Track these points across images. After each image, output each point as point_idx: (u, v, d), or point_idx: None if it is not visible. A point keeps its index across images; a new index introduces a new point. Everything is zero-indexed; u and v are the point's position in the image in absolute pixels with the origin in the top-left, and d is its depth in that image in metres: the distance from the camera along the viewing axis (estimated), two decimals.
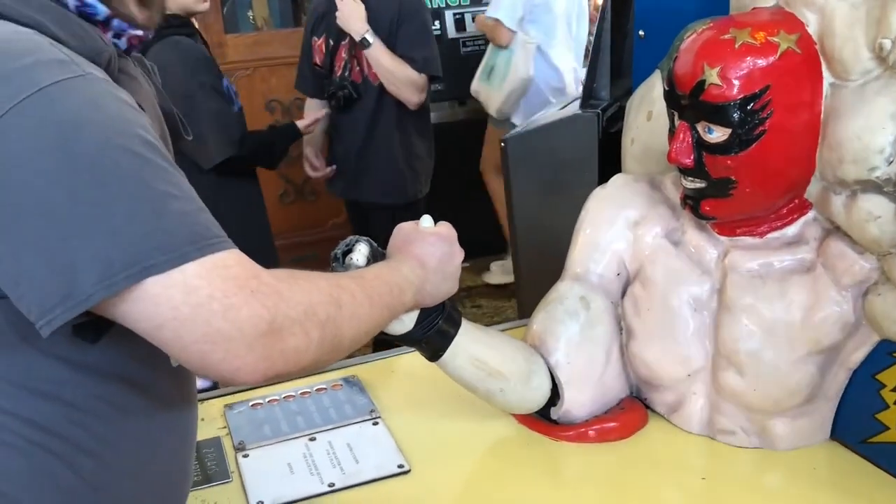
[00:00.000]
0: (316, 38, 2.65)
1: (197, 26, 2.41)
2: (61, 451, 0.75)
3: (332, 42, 2.58)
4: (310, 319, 0.75)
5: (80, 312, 0.66)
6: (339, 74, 2.58)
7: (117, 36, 0.82)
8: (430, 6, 3.43)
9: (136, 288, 0.66)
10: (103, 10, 0.80)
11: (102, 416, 0.78)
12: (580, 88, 3.40)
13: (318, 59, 2.66)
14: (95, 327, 0.71)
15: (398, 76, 2.48)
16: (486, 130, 3.50)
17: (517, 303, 2.23)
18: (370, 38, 2.45)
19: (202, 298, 0.68)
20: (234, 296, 0.69)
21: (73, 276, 0.65)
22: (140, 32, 0.84)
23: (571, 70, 3.34)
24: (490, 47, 3.32)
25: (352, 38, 2.50)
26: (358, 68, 2.55)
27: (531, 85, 3.27)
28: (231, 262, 0.71)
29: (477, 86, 3.34)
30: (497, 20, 3.20)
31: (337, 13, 2.47)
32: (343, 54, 2.57)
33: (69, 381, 0.75)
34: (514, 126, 3.06)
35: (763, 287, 1.08)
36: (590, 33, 3.46)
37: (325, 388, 1.33)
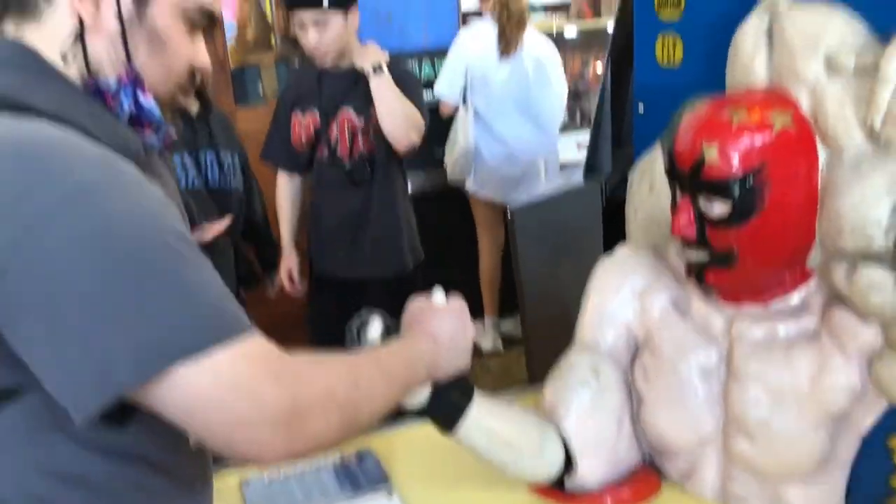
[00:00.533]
0: (300, 114, 2.52)
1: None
2: None
3: (324, 117, 2.46)
4: (330, 401, 0.78)
5: (114, 400, 0.69)
6: (346, 153, 2.46)
7: (158, 135, 0.87)
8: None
9: (167, 374, 0.69)
10: (157, 112, 0.85)
11: (127, 499, 0.80)
12: (548, 155, 3.55)
13: (302, 136, 2.53)
14: (123, 412, 0.74)
15: (404, 110, 2.36)
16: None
17: (527, 367, 2.24)
18: (384, 66, 2.35)
19: (229, 384, 0.71)
20: (259, 380, 0.72)
21: (107, 365, 0.68)
22: (174, 132, 0.90)
23: (527, 138, 3.48)
24: None
25: (349, 115, 2.42)
26: (362, 139, 2.45)
27: (476, 153, 3.47)
28: (255, 347, 0.74)
29: (445, 151, 3.55)
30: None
31: (356, 49, 2.39)
32: (342, 130, 2.46)
33: (97, 465, 0.77)
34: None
35: (769, 355, 1.10)
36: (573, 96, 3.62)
37: (340, 461, 1.34)
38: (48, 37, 0.82)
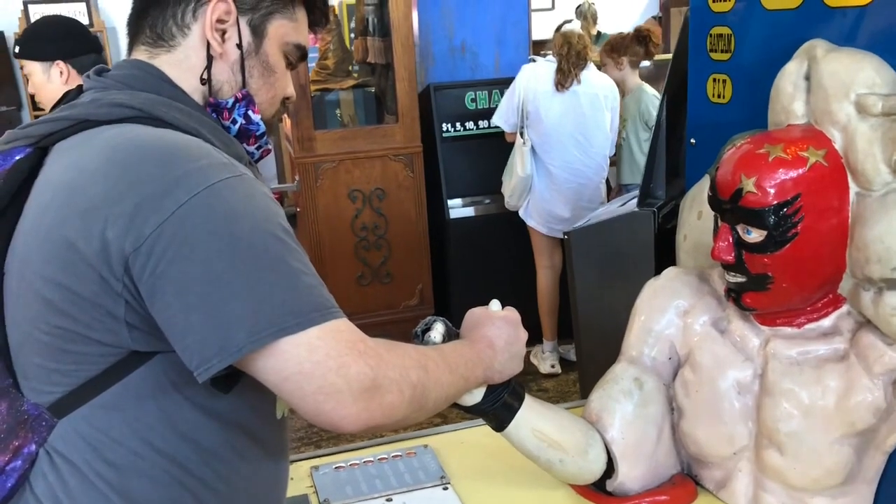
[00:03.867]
0: None
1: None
2: (193, 487, 0.92)
3: None
4: (404, 379, 0.91)
5: (232, 362, 0.83)
6: None
7: (259, 147, 1.04)
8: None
9: (273, 345, 0.83)
10: (263, 127, 1.02)
11: (225, 458, 0.94)
12: (601, 188, 3.66)
13: None
14: (228, 380, 0.88)
15: None
16: None
17: (580, 385, 2.33)
18: None
19: (321, 356, 0.84)
20: (346, 355, 0.85)
21: (227, 333, 0.82)
22: (270, 146, 1.06)
23: (576, 171, 3.59)
24: None
25: None
26: None
27: (531, 183, 3.61)
28: (344, 328, 0.87)
29: (503, 179, 3.71)
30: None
31: None
32: None
33: (204, 426, 0.92)
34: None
35: (800, 373, 1.18)
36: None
37: (401, 455, 1.46)
38: (179, 62, 1.00)
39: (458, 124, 3.97)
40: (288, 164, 5.04)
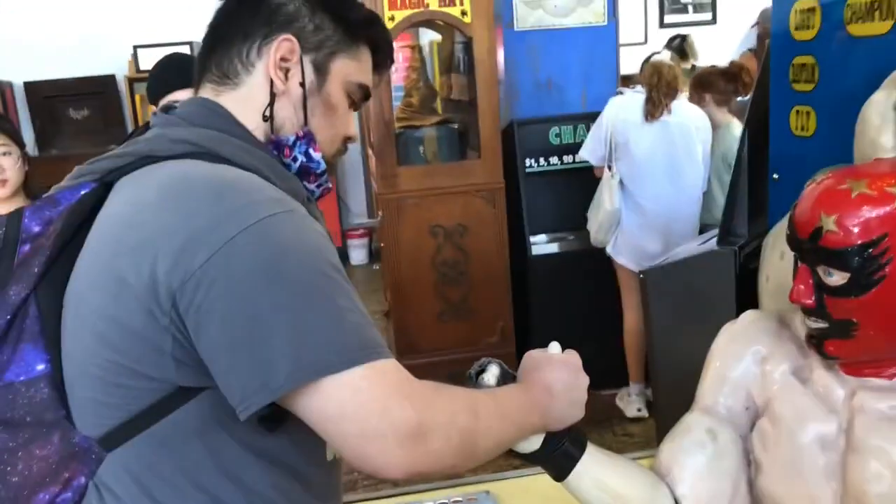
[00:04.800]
0: None
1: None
2: None
3: None
4: (452, 425, 0.87)
5: (273, 400, 0.81)
6: None
7: (319, 185, 1.04)
8: None
9: (316, 384, 0.81)
10: (324, 165, 1.01)
11: (270, 499, 0.93)
12: (694, 222, 3.53)
13: None
14: (274, 419, 0.86)
15: None
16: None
17: (656, 432, 2.22)
18: None
19: (365, 398, 0.81)
20: (391, 398, 0.82)
21: (269, 370, 0.81)
22: (331, 185, 1.06)
23: (669, 206, 3.48)
24: None
25: None
26: None
27: (620, 217, 3.49)
28: (390, 369, 0.85)
29: (589, 214, 3.62)
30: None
31: None
32: None
33: (250, 465, 0.91)
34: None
35: (892, 430, 1.08)
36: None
37: (461, 501, 1.42)
38: (243, 99, 1.01)
39: (541, 159, 3.93)
40: (375, 199, 5.12)
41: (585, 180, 3.66)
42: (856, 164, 1.16)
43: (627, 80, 4.20)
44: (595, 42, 4.13)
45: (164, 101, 2.14)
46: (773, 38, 1.46)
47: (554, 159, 3.95)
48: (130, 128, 5.68)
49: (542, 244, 3.90)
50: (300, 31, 1.01)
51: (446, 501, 1.41)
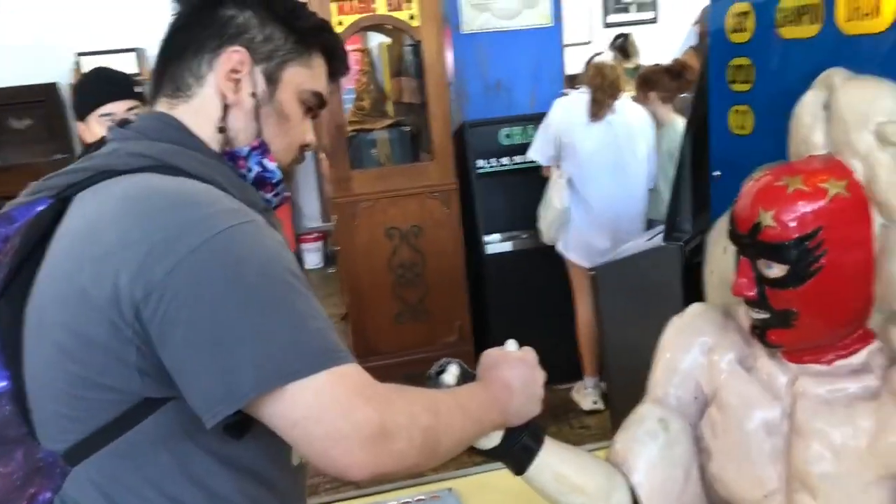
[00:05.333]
0: None
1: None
2: None
3: None
4: (414, 425, 0.89)
5: (238, 408, 0.83)
6: None
7: (276, 195, 1.05)
8: None
9: (280, 390, 0.83)
10: (279, 174, 1.03)
11: None
12: (640, 218, 3.60)
13: None
14: (240, 427, 0.88)
15: None
16: None
17: (611, 424, 2.28)
18: None
19: (328, 402, 0.83)
20: (353, 401, 0.84)
21: (234, 378, 0.82)
22: (288, 193, 1.07)
23: (615, 203, 3.55)
24: None
25: None
26: None
27: (570, 215, 3.57)
28: (352, 372, 0.87)
29: (539, 213, 3.69)
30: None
31: None
32: None
33: (217, 473, 0.92)
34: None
35: (831, 412, 1.13)
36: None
37: (424, 499, 1.44)
38: (196, 112, 1.02)
39: (493, 160, 3.98)
40: (329, 203, 5.10)
41: (536, 180, 3.72)
42: (791, 162, 1.21)
43: (573, 80, 4.27)
44: (541, 43, 4.19)
45: (94, 114, 2.13)
46: (710, 40, 1.52)
47: (505, 160, 4.00)
48: (75, 136, 5.56)
49: (495, 243, 3.95)
50: (250, 42, 1.03)
51: (410, 500, 1.43)
